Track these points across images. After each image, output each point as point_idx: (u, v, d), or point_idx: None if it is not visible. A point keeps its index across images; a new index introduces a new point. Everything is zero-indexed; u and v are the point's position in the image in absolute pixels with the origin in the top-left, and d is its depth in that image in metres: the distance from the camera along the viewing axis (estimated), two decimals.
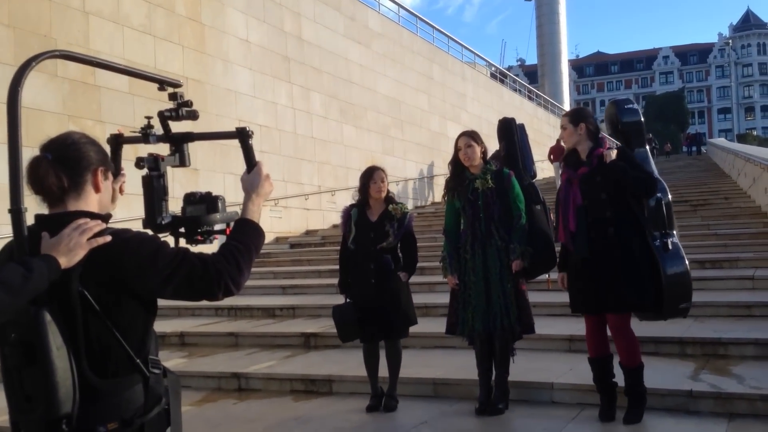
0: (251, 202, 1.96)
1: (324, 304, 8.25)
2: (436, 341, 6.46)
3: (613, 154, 4.35)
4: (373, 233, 5.05)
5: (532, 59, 72.75)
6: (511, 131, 5.31)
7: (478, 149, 4.93)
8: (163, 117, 2.04)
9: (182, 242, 1.99)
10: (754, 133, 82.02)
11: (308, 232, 16.94)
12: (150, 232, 1.93)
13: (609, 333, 4.51)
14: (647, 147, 4.86)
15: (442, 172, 23.12)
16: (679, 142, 46.14)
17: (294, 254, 13.92)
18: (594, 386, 4.59)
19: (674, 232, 4.50)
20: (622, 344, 4.40)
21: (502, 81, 33.37)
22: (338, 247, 13.20)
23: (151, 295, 1.83)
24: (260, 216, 1.96)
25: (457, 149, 4.98)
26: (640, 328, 4.86)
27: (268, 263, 12.98)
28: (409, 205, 10.13)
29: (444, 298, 7.11)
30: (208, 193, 2.04)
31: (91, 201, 1.88)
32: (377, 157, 19.51)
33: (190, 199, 2.01)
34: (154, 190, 1.96)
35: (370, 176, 5.17)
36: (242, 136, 2.00)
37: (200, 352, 7.19)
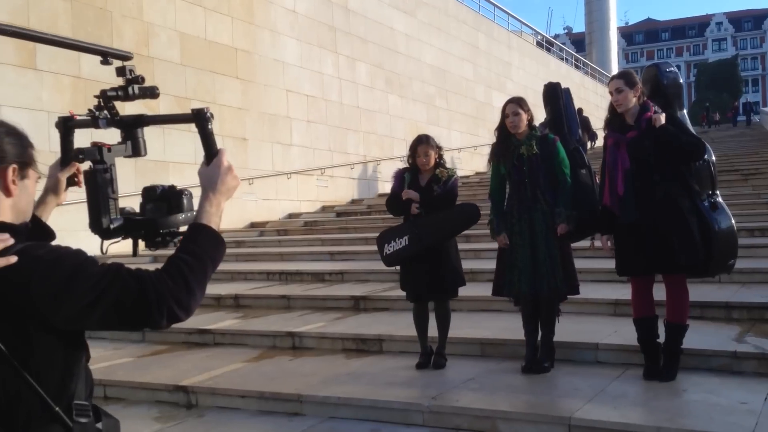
0: (208, 202, 1.58)
1: (372, 269, 8.48)
2: (482, 305, 6.62)
3: (663, 118, 4.42)
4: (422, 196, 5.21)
5: (579, 27, 71.42)
6: (556, 96, 5.35)
7: (524, 116, 5.01)
8: (107, 97, 1.68)
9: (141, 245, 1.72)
10: None
11: (354, 201, 17.18)
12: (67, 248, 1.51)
13: (653, 295, 4.62)
14: (685, 111, 4.89)
15: (487, 142, 23.09)
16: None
17: (340, 222, 14.16)
18: (638, 347, 4.70)
19: (718, 192, 4.59)
20: (676, 301, 4.51)
21: (548, 50, 32.92)
22: (384, 215, 13.21)
23: (70, 326, 1.45)
24: (220, 219, 1.60)
25: (504, 116, 5.07)
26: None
27: (316, 231, 13.25)
28: None
29: (489, 264, 7.24)
30: (172, 188, 1.72)
31: (1, 208, 1.52)
32: (422, 127, 19.54)
33: (149, 194, 1.71)
34: (98, 187, 1.64)
35: (415, 151, 5.30)
36: (199, 119, 1.63)
37: (254, 313, 7.48)
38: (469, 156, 22.49)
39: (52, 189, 1.82)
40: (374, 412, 4.45)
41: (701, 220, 4.43)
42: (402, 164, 17.43)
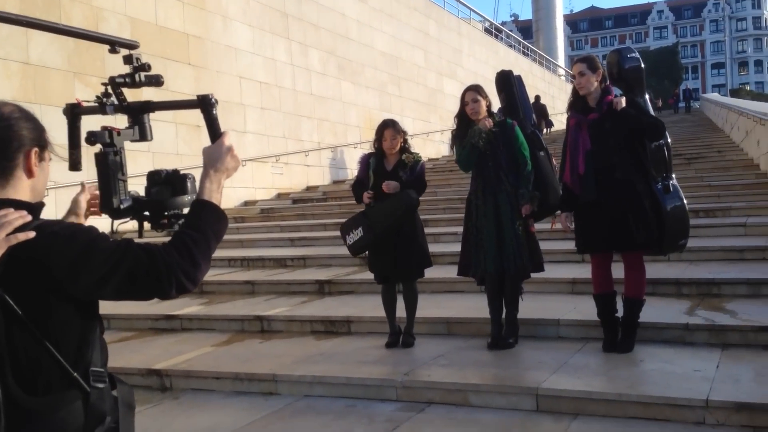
0: (209, 180, 1.67)
1: (333, 254, 8.60)
2: (446, 286, 6.82)
3: (623, 101, 4.64)
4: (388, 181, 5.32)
5: (525, 15, 72.21)
6: (509, 83, 5.52)
7: (483, 102, 5.19)
8: (115, 84, 1.76)
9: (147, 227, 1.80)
10: (748, 87, 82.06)
11: (309, 188, 17.22)
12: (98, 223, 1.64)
13: (611, 272, 4.87)
14: (647, 96, 5.13)
15: (439, 128, 23.36)
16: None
17: (297, 209, 14.20)
18: (597, 322, 4.95)
19: (672, 175, 4.84)
20: (634, 276, 4.77)
21: (497, 37, 33.35)
22: (340, 202, 13.36)
23: (87, 296, 1.55)
24: (221, 196, 1.69)
25: (464, 103, 5.23)
26: None
27: (274, 218, 13.28)
28: None
29: (449, 248, 7.46)
30: (175, 172, 1.79)
31: (21, 188, 1.61)
32: (375, 113, 19.69)
33: (154, 178, 1.78)
34: (110, 169, 1.72)
35: (381, 135, 5.39)
36: (204, 104, 1.73)
37: (219, 299, 7.52)
38: (421, 142, 22.67)
39: (73, 213, 1.92)
40: (349, 389, 4.59)
41: (654, 202, 4.68)
42: (357, 151, 17.41)
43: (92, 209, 1.93)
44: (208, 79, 14.60)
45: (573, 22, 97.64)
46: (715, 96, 33.59)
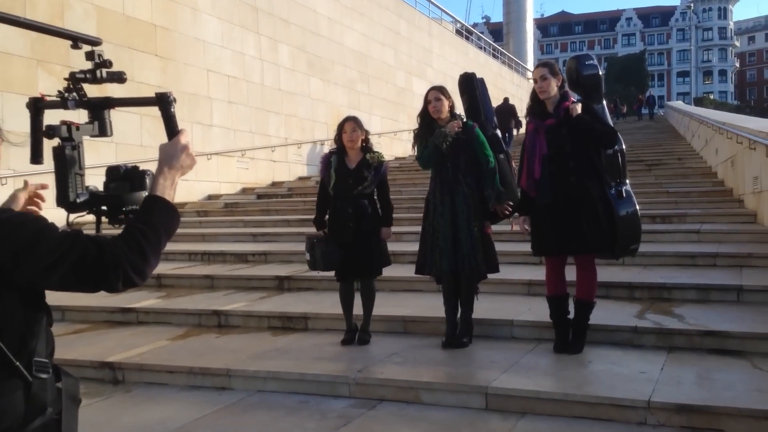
0: (162, 176, 1.70)
1: (295, 250, 8.58)
2: (405, 285, 6.88)
3: (579, 107, 4.74)
4: (351, 179, 5.35)
5: (497, 17, 72.79)
6: (472, 85, 5.60)
7: (446, 102, 5.26)
8: (76, 79, 1.79)
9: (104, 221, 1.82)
10: (711, 96, 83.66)
11: (274, 184, 17.16)
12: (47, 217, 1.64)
13: (565, 275, 4.97)
14: (604, 102, 5.24)
15: (407, 127, 23.44)
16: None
17: (261, 204, 14.16)
18: (550, 323, 5.05)
19: (627, 181, 4.95)
20: (585, 279, 4.88)
21: (467, 38, 33.54)
22: (304, 199, 13.38)
23: (32, 286, 1.55)
24: (174, 192, 1.72)
25: (426, 102, 5.30)
26: None
27: (237, 212, 13.22)
28: None
29: (410, 247, 7.50)
30: (134, 168, 1.83)
31: None
32: (343, 111, 19.66)
33: (113, 173, 1.81)
34: (66, 162, 1.75)
35: (342, 128, 5.44)
36: (162, 102, 1.76)
37: (177, 293, 7.48)
38: (389, 141, 22.78)
39: (8, 206, 1.89)
40: (302, 385, 4.62)
41: (608, 207, 4.79)
42: (324, 148, 17.39)
43: (29, 207, 1.92)
44: (175, 71, 14.47)
45: (543, 26, 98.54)
46: (678, 104, 34.17)
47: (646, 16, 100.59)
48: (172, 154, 1.73)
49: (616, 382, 4.24)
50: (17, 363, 1.53)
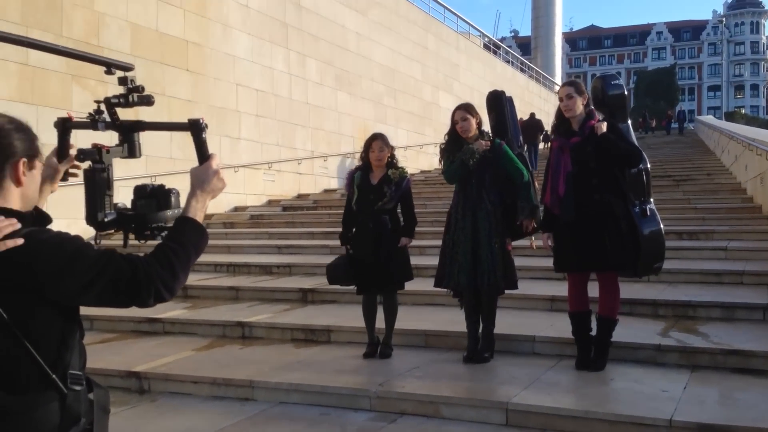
0: (195, 199, 1.79)
1: (319, 263, 8.64)
2: (427, 299, 6.91)
3: (604, 126, 4.76)
4: (372, 195, 5.42)
5: (525, 31, 72.75)
6: (501, 103, 5.63)
7: (473, 121, 5.29)
8: (110, 104, 1.86)
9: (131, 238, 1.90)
10: (743, 111, 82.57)
11: (300, 196, 17.30)
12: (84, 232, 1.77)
13: (588, 290, 4.97)
14: (629, 122, 5.24)
15: (433, 141, 23.50)
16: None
17: (287, 216, 14.29)
18: (572, 339, 5.04)
19: (651, 199, 4.94)
20: (608, 297, 4.87)
21: (495, 52, 33.56)
22: (329, 211, 13.55)
23: (69, 302, 1.64)
24: (204, 215, 1.82)
25: (453, 122, 5.34)
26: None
27: (263, 224, 13.36)
28: None
29: (433, 261, 7.53)
30: (161, 186, 1.88)
31: (11, 196, 1.69)
32: (369, 124, 19.81)
33: (140, 192, 1.88)
34: (96, 185, 1.82)
35: (369, 146, 5.49)
36: (194, 128, 1.82)
37: (203, 303, 7.59)
38: (415, 154, 22.83)
39: (49, 177, 1.98)
40: (324, 397, 4.67)
41: (631, 225, 4.78)
42: (350, 161, 17.50)
43: (71, 170, 1.99)
44: (205, 86, 14.71)
45: (572, 40, 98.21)
46: (709, 118, 33.83)
47: (677, 30, 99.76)
48: (204, 179, 1.81)
49: (637, 400, 4.22)
50: (53, 376, 1.62)
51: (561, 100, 4.96)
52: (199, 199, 1.79)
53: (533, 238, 5.44)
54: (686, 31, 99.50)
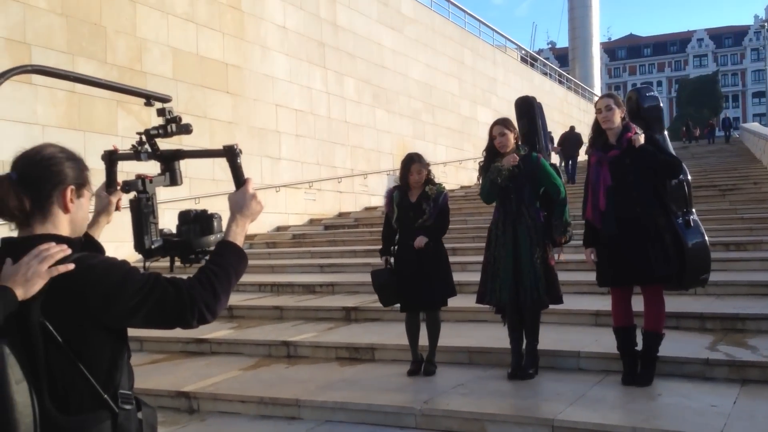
0: (235, 223, 1.86)
1: (361, 281, 8.71)
2: (469, 315, 6.91)
3: (642, 138, 4.74)
4: (412, 212, 5.47)
5: (563, 42, 72.36)
6: (532, 109, 5.61)
7: (511, 136, 5.30)
8: (149, 135, 1.95)
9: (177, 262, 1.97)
10: None
11: (341, 214, 17.43)
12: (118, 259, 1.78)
13: (634, 305, 4.93)
14: (666, 133, 5.21)
15: (472, 156, 23.47)
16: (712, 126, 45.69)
17: (329, 235, 14.40)
18: (618, 355, 5.00)
19: (693, 210, 4.90)
20: (653, 311, 4.82)
21: (532, 65, 33.43)
22: (371, 229, 13.61)
23: (118, 325, 1.72)
24: (243, 238, 1.88)
25: (491, 137, 5.36)
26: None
27: (305, 243, 13.49)
28: None
29: (475, 277, 7.53)
30: (203, 212, 1.96)
31: (60, 223, 1.76)
32: (408, 141, 19.91)
33: (184, 217, 1.95)
34: (142, 214, 1.92)
35: (408, 169, 5.53)
36: (230, 154, 1.88)
37: (248, 323, 7.71)
38: (454, 170, 22.84)
39: (104, 209, 2.10)
40: (369, 415, 4.70)
41: (675, 237, 4.74)
42: (388, 177, 17.61)
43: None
44: (245, 107, 14.98)
45: (611, 49, 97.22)
46: (754, 126, 33.08)
47: (719, 36, 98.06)
48: (242, 204, 1.87)
49: (686, 416, 4.17)
50: (105, 396, 1.69)
51: (599, 111, 4.95)
52: (239, 223, 1.85)
53: (558, 254, 5.33)
54: (728, 37, 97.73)
